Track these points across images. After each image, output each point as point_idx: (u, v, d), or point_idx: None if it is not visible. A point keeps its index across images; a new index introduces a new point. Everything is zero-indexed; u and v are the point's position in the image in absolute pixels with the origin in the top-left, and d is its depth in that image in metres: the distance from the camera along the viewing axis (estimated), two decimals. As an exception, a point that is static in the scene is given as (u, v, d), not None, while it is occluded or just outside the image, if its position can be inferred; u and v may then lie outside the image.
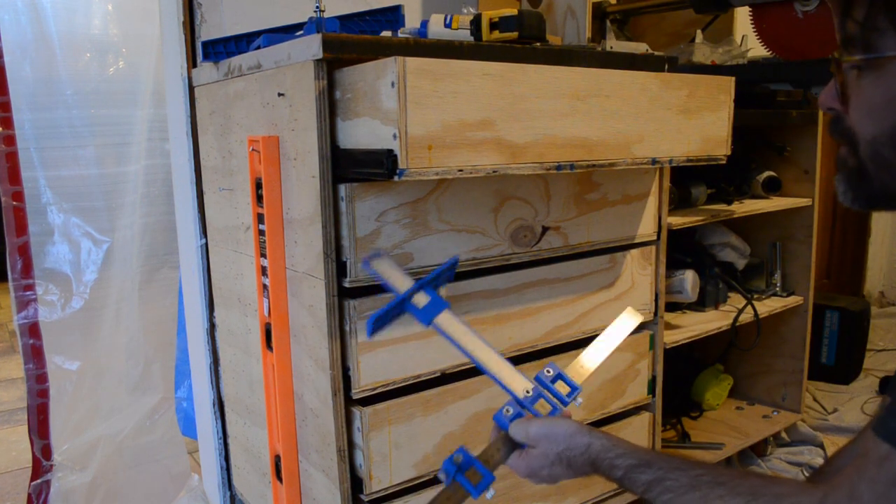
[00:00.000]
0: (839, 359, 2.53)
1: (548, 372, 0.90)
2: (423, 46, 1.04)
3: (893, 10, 0.62)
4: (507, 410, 0.87)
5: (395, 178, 0.90)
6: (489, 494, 0.83)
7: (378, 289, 1.09)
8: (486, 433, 0.88)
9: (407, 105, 0.89)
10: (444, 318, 0.90)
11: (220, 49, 1.29)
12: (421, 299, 0.90)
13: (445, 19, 1.21)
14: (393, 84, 0.89)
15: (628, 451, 0.80)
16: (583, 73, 1.06)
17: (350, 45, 0.99)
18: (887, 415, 0.63)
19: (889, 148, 0.65)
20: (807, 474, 1.94)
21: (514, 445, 0.86)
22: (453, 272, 0.99)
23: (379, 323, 0.88)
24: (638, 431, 1.50)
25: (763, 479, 0.74)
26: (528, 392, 0.88)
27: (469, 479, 0.83)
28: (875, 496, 0.61)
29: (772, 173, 1.94)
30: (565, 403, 0.89)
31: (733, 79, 1.27)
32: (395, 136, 0.90)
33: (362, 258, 1.01)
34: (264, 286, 1.17)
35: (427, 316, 0.89)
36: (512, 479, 1.28)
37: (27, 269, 1.61)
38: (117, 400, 1.81)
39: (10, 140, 1.55)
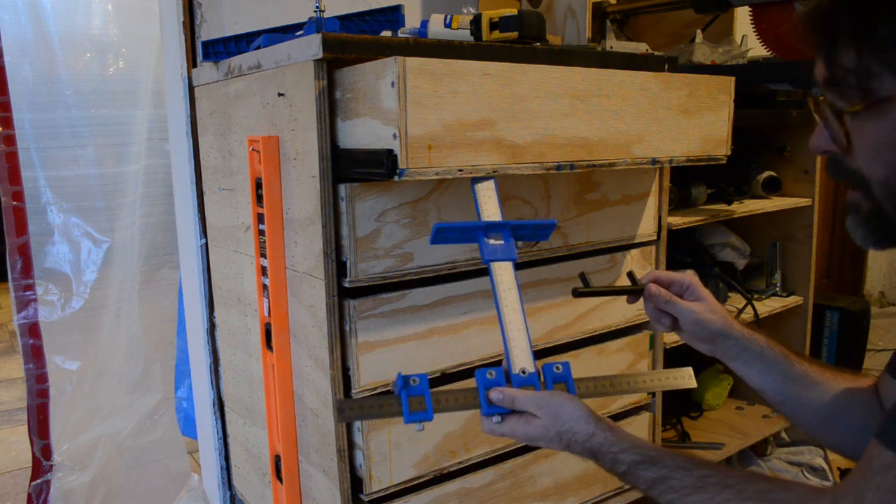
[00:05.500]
0: (839, 359, 2.52)
1: (557, 368, 0.86)
2: (423, 46, 1.04)
3: (885, 52, 0.62)
4: (491, 373, 0.85)
5: (395, 178, 0.90)
6: (418, 427, 0.82)
7: (378, 289, 1.10)
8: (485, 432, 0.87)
9: (407, 105, 0.89)
10: (500, 266, 0.90)
11: (220, 49, 1.29)
12: (496, 238, 0.90)
13: (445, 19, 1.21)
14: (393, 84, 0.89)
15: (632, 446, 0.79)
16: (583, 73, 1.06)
17: (350, 44, 0.98)
18: (890, 423, 0.63)
19: None
20: (807, 474, 1.94)
21: (474, 403, 0.84)
22: (546, 233, 0.93)
23: (449, 233, 0.88)
24: (638, 431, 1.50)
25: (770, 482, 0.73)
26: (524, 372, 0.85)
27: (411, 403, 0.82)
28: (881, 503, 0.62)
29: (772, 173, 1.94)
30: None
31: (733, 79, 1.27)
32: (395, 136, 0.90)
33: (471, 180, 0.98)
34: (264, 286, 1.17)
35: (489, 255, 0.90)
36: (512, 479, 1.28)
37: (27, 269, 1.61)
38: (117, 400, 1.81)
39: (10, 140, 1.55)
